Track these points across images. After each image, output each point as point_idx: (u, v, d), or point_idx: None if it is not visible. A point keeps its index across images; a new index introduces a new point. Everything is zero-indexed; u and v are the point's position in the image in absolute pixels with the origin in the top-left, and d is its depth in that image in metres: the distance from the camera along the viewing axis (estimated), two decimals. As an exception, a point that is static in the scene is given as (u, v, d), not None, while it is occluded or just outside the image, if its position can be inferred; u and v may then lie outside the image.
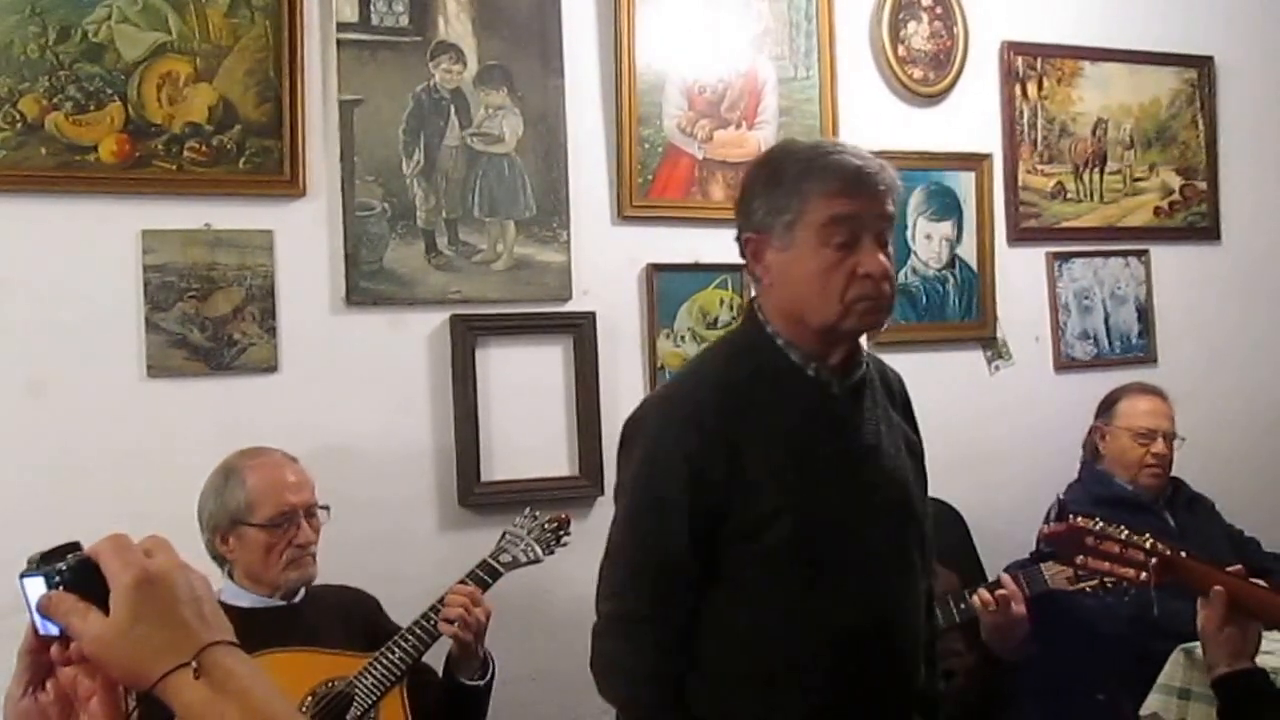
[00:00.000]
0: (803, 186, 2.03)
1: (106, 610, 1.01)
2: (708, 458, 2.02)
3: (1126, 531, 2.17)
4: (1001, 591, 2.86)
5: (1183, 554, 2.15)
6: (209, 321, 3.04)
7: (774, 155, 2.17)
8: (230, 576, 2.72)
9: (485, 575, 2.77)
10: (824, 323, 2.04)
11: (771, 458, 2.04)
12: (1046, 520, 3.34)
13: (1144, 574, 2.13)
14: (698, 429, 2.04)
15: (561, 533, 2.90)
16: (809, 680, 2.04)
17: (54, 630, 1.04)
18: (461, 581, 2.75)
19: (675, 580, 2.06)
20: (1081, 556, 2.18)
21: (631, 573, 2.11)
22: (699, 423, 2.05)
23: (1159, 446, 3.62)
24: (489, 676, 2.77)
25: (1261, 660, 2.24)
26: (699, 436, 2.04)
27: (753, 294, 2.20)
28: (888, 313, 2.11)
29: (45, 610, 1.03)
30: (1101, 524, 2.19)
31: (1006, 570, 3.02)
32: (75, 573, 1.03)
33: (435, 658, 2.76)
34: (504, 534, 2.89)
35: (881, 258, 2.02)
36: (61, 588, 1.03)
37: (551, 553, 2.87)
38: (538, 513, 2.92)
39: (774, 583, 2.04)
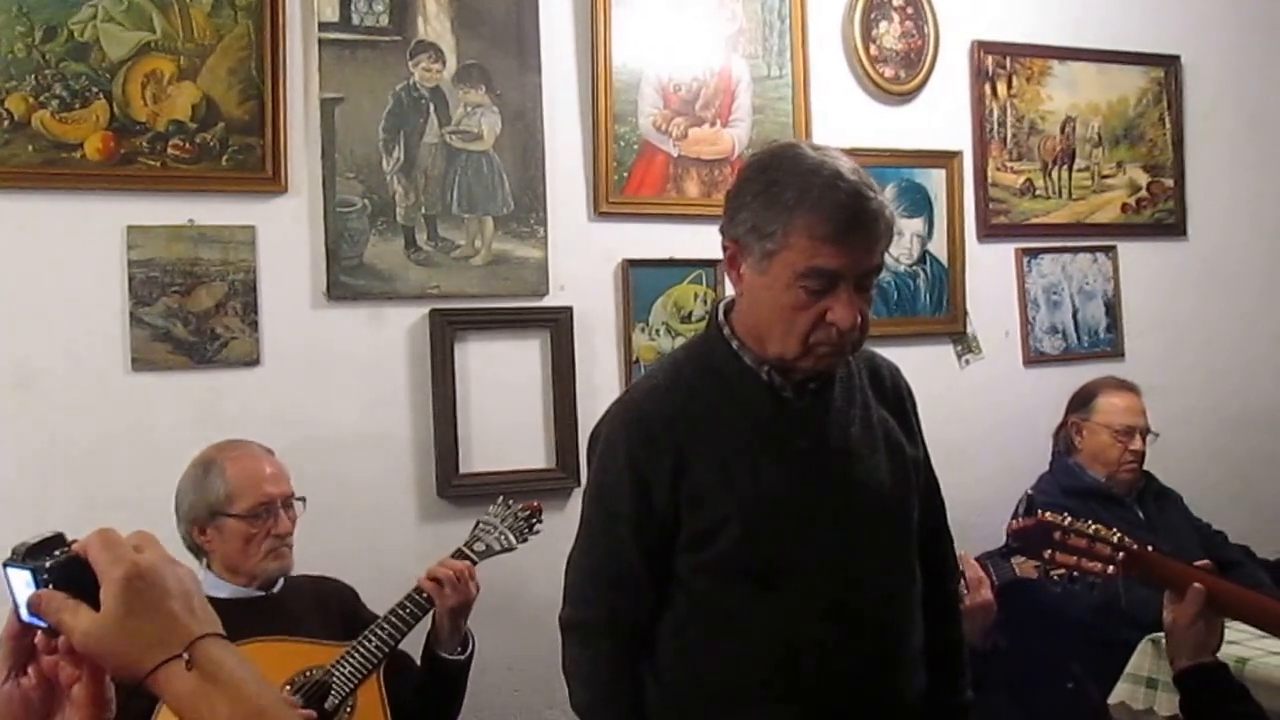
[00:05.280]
0: (793, 220, 1.88)
1: (95, 605, 1.02)
2: (653, 469, 2.00)
3: (1094, 526, 2.19)
4: (967, 573, 2.90)
5: (1149, 549, 2.18)
6: (192, 316, 3.07)
7: (773, 164, 1.97)
8: (208, 568, 2.75)
9: (460, 563, 2.82)
10: (780, 355, 1.97)
11: (719, 465, 1.99)
12: (1015, 516, 3.39)
13: (1111, 568, 2.16)
14: (644, 439, 2.01)
15: (534, 520, 2.92)
16: (765, 693, 1.99)
17: (42, 624, 1.05)
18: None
19: (628, 590, 2.05)
20: (1049, 551, 2.17)
21: (586, 581, 2.10)
22: (646, 433, 2.02)
23: (1137, 444, 3.66)
24: (469, 652, 2.82)
25: (1227, 649, 2.29)
26: (645, 448, 2.01)
27: (721, 294, 2.12)
28: (850, 353, 2.03)
29: (35, 609, 1.04)
30: (1069, 518, 2.20)
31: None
32: (63, 569, 1.04)
33: (412, 645, 2.80)
34: (478, 523, 2.92)
35: (855, 310, 1.92)
36: (50, 585, 1.04)
37: (525, 540, 2.90)
38: (510, 501, 2.95)
39: (725, 592, 2.01)
